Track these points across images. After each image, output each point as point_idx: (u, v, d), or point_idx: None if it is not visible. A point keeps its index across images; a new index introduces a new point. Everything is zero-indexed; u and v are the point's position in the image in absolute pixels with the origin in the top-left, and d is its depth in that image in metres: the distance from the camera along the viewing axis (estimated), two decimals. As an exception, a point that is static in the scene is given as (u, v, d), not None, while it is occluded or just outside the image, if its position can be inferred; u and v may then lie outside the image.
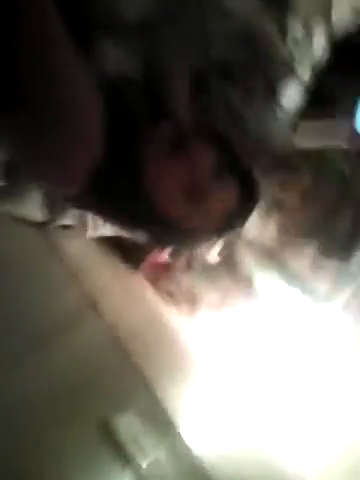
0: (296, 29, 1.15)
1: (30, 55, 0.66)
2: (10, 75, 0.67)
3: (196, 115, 1.01)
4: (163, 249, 1.07)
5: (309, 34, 1.19)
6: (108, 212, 0.93)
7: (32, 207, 0.96)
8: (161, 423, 0.99)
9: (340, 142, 1.51)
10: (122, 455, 0.86)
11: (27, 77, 0.67)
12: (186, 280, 1.08)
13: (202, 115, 1.03)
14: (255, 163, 1.04)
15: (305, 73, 1.28)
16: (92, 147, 0.75)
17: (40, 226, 0.99)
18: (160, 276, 1.20)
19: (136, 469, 0.89)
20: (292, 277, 1.28)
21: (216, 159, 0.93)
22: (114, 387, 0.93)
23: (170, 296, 1.08)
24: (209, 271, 1.26)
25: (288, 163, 1.02)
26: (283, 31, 1.11)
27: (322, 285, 1.25)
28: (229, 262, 1.19)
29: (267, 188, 1.00)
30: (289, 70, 1.19)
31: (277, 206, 1.16)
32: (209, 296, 1.22)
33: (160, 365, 1.10)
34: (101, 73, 0.86)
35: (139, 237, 0.97)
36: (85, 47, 0.78)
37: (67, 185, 0.80)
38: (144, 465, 0.90)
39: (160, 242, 0.98)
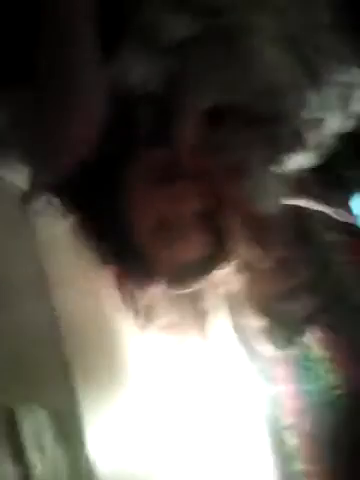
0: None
1: (50, 41, 0.66)
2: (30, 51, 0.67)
3: (202, 152, 0.99)
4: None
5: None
6: (79, 213, 0.91)
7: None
8: (71, 426, 0.96)
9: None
10: (18, 447, 0.82)
11: (42, 58, 0.67)
12: (149, 293, 1.05)
13: (208, 154, 1.01)
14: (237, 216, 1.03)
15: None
16: (85, 140, 0.74)
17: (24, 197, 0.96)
18: (126, 280, 1.16)
19: (28, 464, 0.85)
20: (241, 333, 1.27)
21: (201, 205, 0.91)
22: (35, 376, 0.90)
23: (128, 302, 1.04)
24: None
25: (268, 225, 1.02)
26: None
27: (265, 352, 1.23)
28: (194, 294, 1.17)
29: (242, 245, 0.99)
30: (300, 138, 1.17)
31: (246, 266, 1.14)
32: (165, 317, 1.19)
33: (91, 369, 1.07)
34: (119, 83, 0.85)
35: (100, 252, 0.94)
36: (112, 52, 0.78)
37: (54, 167, 0.78)
38: (38, 462, 0.87)
39: (120, 263, 0.96)
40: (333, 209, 1.54)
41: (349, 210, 1.55)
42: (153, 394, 1.28)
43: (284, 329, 1.14)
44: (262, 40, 0.98)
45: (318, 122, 1.23)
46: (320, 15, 1.02)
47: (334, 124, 1.35)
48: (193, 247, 0.93)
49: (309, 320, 1.19)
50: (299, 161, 1.34)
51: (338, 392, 2.00)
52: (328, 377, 2.04)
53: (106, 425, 1.07)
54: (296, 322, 1.16)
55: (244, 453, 1.87)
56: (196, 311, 1.24)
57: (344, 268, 2.21)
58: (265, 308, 1.15)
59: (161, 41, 0.88)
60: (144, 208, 0.87)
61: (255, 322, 1.16)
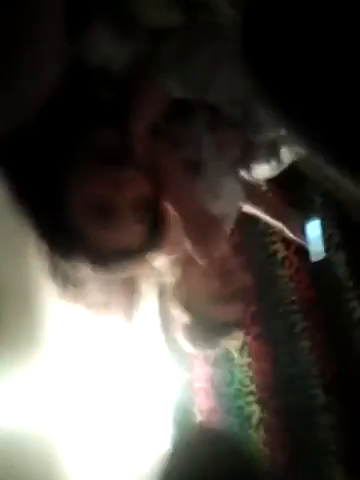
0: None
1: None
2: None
3: (157, 142, 0.98)
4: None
5: None
6: (15, 180, 0.88)
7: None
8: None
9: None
10: None
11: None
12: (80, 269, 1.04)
13: (163, 146, 1.00)
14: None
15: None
16: (32, 100, 0.71)
17: None
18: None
19: None
20: (166, 324, 1.28)
21: (143, 194, 0.91)
22: None
23: (56, 274, 1.03)
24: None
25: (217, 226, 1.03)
26: None
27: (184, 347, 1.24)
28: (128, 278, 1.16)
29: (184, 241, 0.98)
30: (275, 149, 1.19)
31: (186, 261, 1.14)
32: (93, 294, 1.18)
33: (11, 327, 1.05)
34: (83, 58, 0.83)
35: (33, 223, 0.92)
36: (80, 29, 0.76)
37: None
38: None
39: (50, 238, 0.93)
40: (287, 226, 1.56)
41: (303, 232, 1.56)
42: (67, 362, 1.28)
43: (206, 330, 1.15)
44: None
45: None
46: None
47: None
48: (126, 235, 0.92)
49: (235, 326, 1.20)
50: (267, 171, 1.37)
51: (249, 399, 2.06)
52: (243, 382, 2.10)
53: (16, 383, 1.07)
54: (220, 326, 1.17)
55: (144, 436, 1.90)
56: (127, 294, 1.24)
57: (286, 283, 2.27)
58: (194, 306, 1.16)
59: (135, 26, 0.87)
60: (85, 187, 0.86)
61: (180, 317, 1.17)
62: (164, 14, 0.90)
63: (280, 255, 2.08)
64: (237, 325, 1.20)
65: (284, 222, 1.56)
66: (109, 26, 0.86)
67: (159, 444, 2.00)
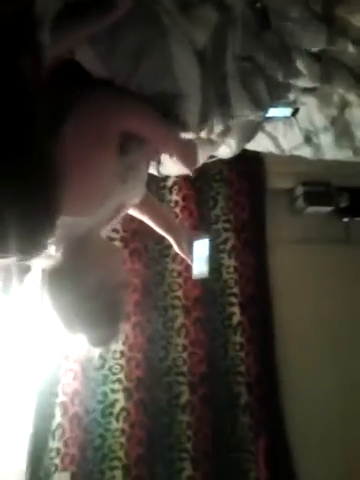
0: None
1: None
2: None
3: None
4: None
5: None
6: None
7: None
8: None
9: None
10: None
11: None
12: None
13: None
14: None
15: None
16: None
17: None
18: None
19: None
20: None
21: None
22: None
23: None
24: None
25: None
26: None
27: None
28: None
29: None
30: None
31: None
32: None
33: None
34: None
35: None
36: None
37: None
38: None
39: None
40: (175, 241, 1.53)
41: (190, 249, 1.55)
42: None
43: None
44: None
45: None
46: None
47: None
48: None
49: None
50: (175, 169, 1.35)
51: (115, 387, 2.04)
52: (112, 369, 2.07)
53: None
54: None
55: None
56: (14, 265, 1.15)
57: (175, 278, 2.27)
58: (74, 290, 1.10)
59: None
60: None
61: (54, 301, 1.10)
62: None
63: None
64: (114, 319, 1.16)
65: (172, 235, 1.53)
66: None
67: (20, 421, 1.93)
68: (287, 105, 1.33)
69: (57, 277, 1.08)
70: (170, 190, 2.33)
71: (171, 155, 1.18)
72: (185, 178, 2.22)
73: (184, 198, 2.31)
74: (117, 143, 0.97)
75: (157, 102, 0.98)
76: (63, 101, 0.88)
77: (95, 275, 1.09)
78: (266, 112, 1.24)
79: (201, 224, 2.27)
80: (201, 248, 1.47)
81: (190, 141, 1.18)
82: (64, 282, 1.09)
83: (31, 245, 0.80)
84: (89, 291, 1.08)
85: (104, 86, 0.96)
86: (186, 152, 1.21)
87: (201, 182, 2.35)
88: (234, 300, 2.23)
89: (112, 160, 0.97)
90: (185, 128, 1.07)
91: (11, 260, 0.88)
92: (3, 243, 0.76)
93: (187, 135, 1.12)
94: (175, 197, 2.32)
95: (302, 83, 1.19)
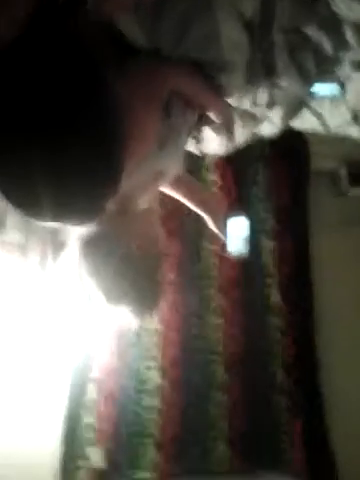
0: None
1: None
2: None
3: None
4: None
5: None
6: None
7: None
8: None
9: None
10: None
11: None
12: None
13: None
14: None
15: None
16: None
17: None
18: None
19: None
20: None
21: None
22: None
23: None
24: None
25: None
26: None
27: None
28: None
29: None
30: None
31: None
32: (13, 232, 1.08)
33: None
34: None
35: None
36: None
37: None
38: None
39: None
40: (212, 218, 1.51)
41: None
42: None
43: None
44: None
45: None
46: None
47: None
48: None
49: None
50: (216, 147, 1.31)
51: (150, 364, 2.05)
52: (147, 347, 2.08)
53: None
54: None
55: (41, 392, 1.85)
56: (49, 242, 1.15)
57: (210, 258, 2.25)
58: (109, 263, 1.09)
59: None
60: None
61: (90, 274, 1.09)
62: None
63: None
64: (146, 297, 1.14)
65: (207, 211, 1.52)
66: None
67: (56, 388, 1.96)
68: (335, 81, 1.27)
69: (93, 247, 1.07)
70: (208, 169, 2.30)
71: (218, 119, 1.11)
72: (224, 158, 2.19)
73: (222, 178, 2.28)
74: (164, 102, 0.93)
75: (202, 70, 0.95)
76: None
77: (132, 243, 1.08)
78: (312, 86, 1.18)
79: (239, 204, 2.24)
80: (237, 226, 1.45)
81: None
82: (101, 251, 1.08)
83: (93, 207, 0.78)
84: (127, 259, 1.07)
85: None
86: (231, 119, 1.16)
87: (241, 162, 2.30)
88: (272, 281, 2.20)
89: (157, 119, 0.94)
90: (229, 96, 1.03)
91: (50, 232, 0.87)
92: (68, 201, 0.73)
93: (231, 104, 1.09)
94: (213, 176, 2.28)
95: (351, 56, 1.13)
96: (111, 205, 1.02)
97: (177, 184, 1.43)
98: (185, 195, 1.50)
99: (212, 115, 1.09)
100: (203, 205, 1.52)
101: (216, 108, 1.06)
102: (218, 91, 1.02)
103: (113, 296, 1.09)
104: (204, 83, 0.99)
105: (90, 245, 1.09)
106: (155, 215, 1.21)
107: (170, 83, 0.93)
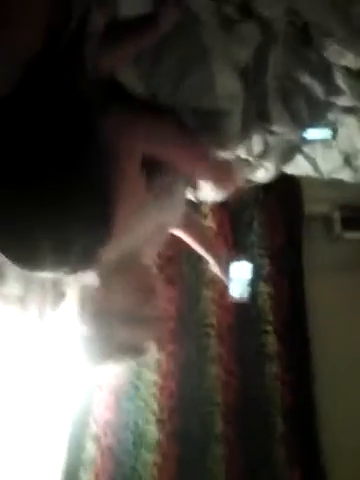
0: None
1: None
2: None
3: None
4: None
5: None
6: None
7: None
8: None
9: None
10: None
11: None
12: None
13: None
14: None
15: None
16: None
17: None
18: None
19: None
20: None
21: None
22: None
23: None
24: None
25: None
26: None
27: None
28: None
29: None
30: None
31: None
32: (13, 284, 1.07)
33: None
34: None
35: None
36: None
37: None
38: None
39: None
40: (215, 261, 1.52)
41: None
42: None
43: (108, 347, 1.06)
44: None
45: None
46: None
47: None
48: None
49: (139, 351, 1.11)
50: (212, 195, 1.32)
51: (152, 417, 1.99)
52: (146, 400, 2.02)
53: None
54: (126, 347, 1.08)
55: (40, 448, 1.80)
56: (49, 293, 1.13)
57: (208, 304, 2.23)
58: (103, 320, 1.06)
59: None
60: None
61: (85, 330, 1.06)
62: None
63: (208, 275, 2.04)
64: (141, 351, 1.11)
65: (212, 255, 1.53)
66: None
67: (54, 444, 1.89)
68: (326, 126, 1.30)
69: (90, 303, 1.05)
70: (205, 216, 2.31)
71: (206, 180, 1.16)
72: (220, 203, 2.21)
73: (219, 224, 2.29)
74: (139, 161, 0.94)
75: (197, 119, 0.97)
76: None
77: (126, 304, 1.06)
78: (305, 132, 1.21)
79: (236, 250, 2.24)
80: (240, 270, 1.45)
81: (229, 163, 1.15)
82: (96, 309, 1.06)
83: (88, 256, 0.78)
84: (118, 320, 1.04)
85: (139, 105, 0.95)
86: (222, 176, 1.18)
87: (236, 207, 2.32)
88: (269, 328, 2.17)
89: (137, 176, 0.95)
90: (224, 146, 1.05)
91: (49, 283, 0.86)
92: (65, 250, 0.74)
93: (225, 155, 1.10)
94: (210, 223, 2.29)
95: (343, 102, 1.16)
96: (111, 255, 1.02)
97: (186, 225, 1.44)
98: (193, 236, 1.51)
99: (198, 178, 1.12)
100: (209, 248, 1.53)
101: (200, 173, 1.09)
102: (212, 141, 1.04)
103: (100, 352, 1.07)
104: (187, 147, 1.02)
105: (86, 299, 1.08)
106: (153, 269, 1.21)
107: (138, 149, 0.95)
